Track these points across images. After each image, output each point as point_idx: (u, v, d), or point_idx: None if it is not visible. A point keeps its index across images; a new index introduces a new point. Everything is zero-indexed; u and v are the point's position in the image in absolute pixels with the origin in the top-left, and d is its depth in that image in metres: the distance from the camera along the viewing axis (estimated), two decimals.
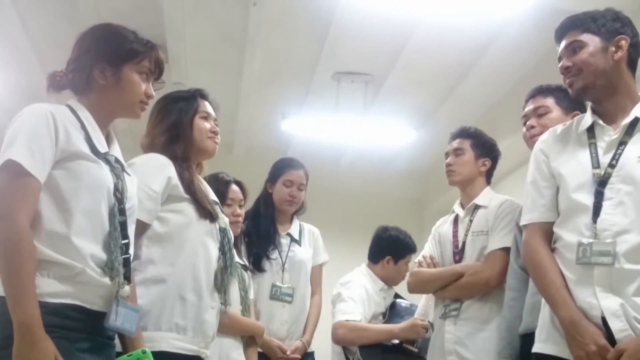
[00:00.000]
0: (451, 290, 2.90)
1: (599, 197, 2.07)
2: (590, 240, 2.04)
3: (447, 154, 3.10)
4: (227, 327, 2.86)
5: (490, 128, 3.21)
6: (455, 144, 3.08)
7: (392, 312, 3.63)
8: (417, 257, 3.18)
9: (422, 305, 3.43)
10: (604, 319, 1.99)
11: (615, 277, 2.00)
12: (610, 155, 2.11)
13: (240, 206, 3.21)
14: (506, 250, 2.75)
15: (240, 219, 3.21)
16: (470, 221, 2.96)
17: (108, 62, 1.95)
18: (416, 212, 7.19)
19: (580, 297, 2.05)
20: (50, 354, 1.65)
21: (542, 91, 2.73)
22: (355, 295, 3.57)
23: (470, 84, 5.28)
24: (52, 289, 1.73)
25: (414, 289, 3.12)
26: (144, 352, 1.90)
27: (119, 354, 1.94)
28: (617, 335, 1.98)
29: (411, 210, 7.18)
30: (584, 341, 1.99)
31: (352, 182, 6.98)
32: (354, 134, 5.79)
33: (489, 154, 3.07)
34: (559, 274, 2.11)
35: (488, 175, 3.09)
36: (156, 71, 2.05)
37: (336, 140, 6.09)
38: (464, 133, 3.10)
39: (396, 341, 3.43)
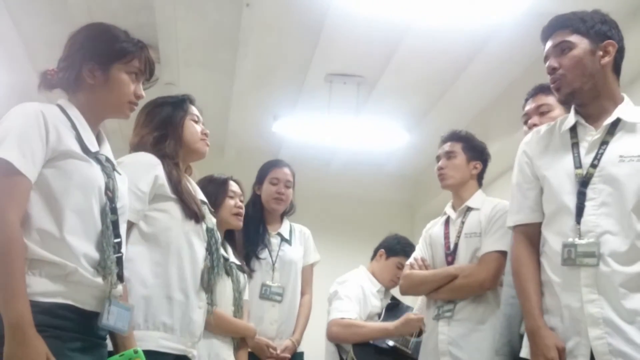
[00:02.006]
0: (445, 292, 2.89)
1: (581, 197, 2.09)
2: (575, 242, 2.06)
3: (438, 158, 3.10)
4: (217, 327, 2.86)
5: (482, 131, 3.23)
6: (447, 147, 3.08)
7: (388, 314, 3.63)
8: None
9: (419, 306, 3.44)
10: None
11: (601, 279, 2.02)
12: (592, 155, 2.12)
13: (241, 200, 3.23)
14: (500, 252, 2.75)
15: (242, 211, 3.21)
16: (462, 223, 2.96)
17: (97, 62, 1.94)
18: (407, 215, 7.20)
19: (566, 301, 2.07)
20: (42, 353, 1.64)
21: (544, 89, 2.71)
22: (352, 294, 3.59)
23: (462, 87, 5.30)
24: (43, 288, 1.72)
25: (406, 291, 3.12)
26: (135, 352, 1.90)
27: (110, 353, 1.93)
28: (592, 343, 2.01)
29: (402, 213, 7.19)
30: (536, 351, 2.08)
31: (343, 185, 6.98)
32: (346, 136, 5.79)
33: (479, 157, 3.08)
34: (533, 283, 2.16)
35: (479, 178, 3.10)
36: (146, 71, 2.03)
37: (328, 143, 6.09)
38: (455, 136, 3.11)
39: (390, 343, 3.44)
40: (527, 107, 2.74)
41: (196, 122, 2.53)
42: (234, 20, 4.45)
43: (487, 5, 3.92)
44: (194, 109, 2.55)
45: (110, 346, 1.97)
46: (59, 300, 1.74)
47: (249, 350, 3.30)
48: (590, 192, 2.08)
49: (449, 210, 3.08)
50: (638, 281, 2.00)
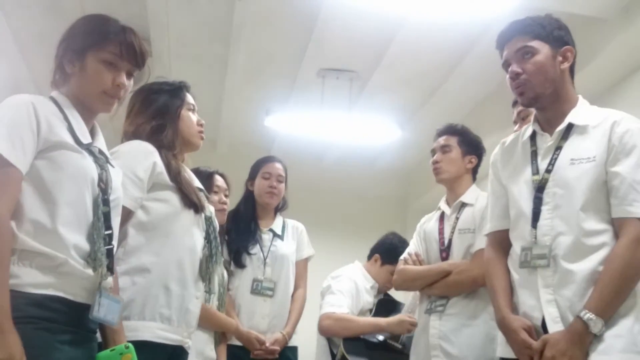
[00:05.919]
0: (438, 288, 2.89)
1: (537, 202, 2.17)
2: (531, 245, 2.15)
3: (433, 151, 3.09)
4: (203, 320, 2.86)
5: (475, 127, 3.21)
6: (442, 140, 3.07)
7: (380, 309, 3.64)
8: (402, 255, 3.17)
9: (411, 302, 3.44)
10: (543, 322, 2.08)
11: (556, 279, 2.09)
12: (547, 161, 2.20)
13: (225, 195, 3.24)
14: None
15: (226, 206, 3.24)
16: (457, 218, 2.95)
17: (74, 51, 1.92)
18: (400, 210, 7.20)
19: (523, 300, 2.16)
20: (16, 347, 1.59)
21: None
22: (344, 289, 3.60)
23: (455, 83, 5.29)
24: (34, 279, 1.71)
25: (399, 285, 3.12)
26: (126, 347, 1.89)
27: (99, 346, 1.92)
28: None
29: (395, 208, 7.19)
30: (510, 340, 2.13)
31: (336, 180, 6.97)
32: (339, 131, 5.78)
33: (475, 151, 3.08)
34: (501, 280, 2.25)
35: (474, 173, 3.10)
36: (129, 57, 1.94)
37: (320, 137, 6.08)
38: (450, 130, 3.10)
39: (381, 337, 3.44)
40: (514, 116, 2.87)
41: (192, 110, 2.49)
42: (227, 14, 4.43)
43: (480, 0, 3.91)
44: (189, 98, 2.51)
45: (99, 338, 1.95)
46: (49, 292, 1.73)
47: (239, 343, 3.33)
48: (545, 196, 2.16)
49: (443, 205, 3.07)
50: (590, 278, 2.04)
